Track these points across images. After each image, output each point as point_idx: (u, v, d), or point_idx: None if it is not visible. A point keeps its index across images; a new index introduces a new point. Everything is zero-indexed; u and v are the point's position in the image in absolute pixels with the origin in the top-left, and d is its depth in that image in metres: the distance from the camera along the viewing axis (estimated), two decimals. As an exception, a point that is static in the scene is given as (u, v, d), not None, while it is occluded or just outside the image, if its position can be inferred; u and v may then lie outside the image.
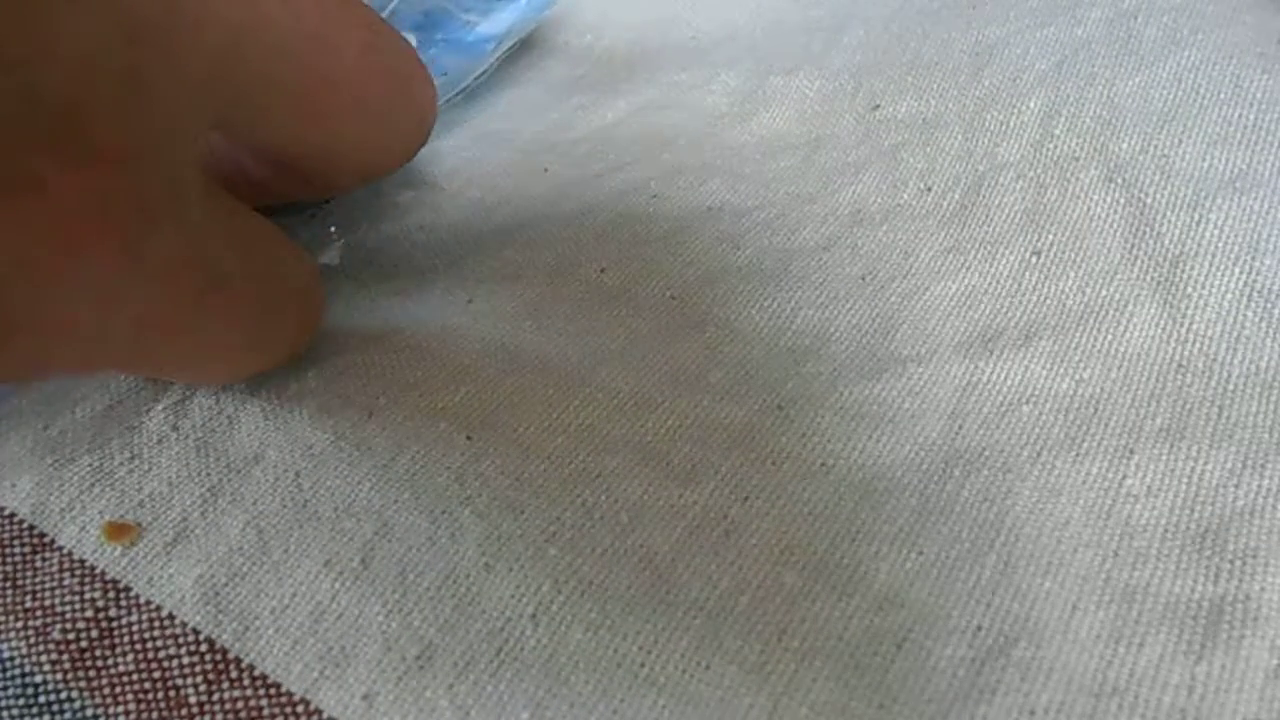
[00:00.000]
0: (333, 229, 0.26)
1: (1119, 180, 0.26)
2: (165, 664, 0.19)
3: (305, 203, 0.25)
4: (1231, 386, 0.21)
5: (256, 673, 0.18)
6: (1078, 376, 0.22)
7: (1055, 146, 0.27)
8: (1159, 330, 0.23)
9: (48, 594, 0.20)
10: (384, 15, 0.29)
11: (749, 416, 0.22)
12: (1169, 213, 0.25)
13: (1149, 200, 0.25)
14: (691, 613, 0.18)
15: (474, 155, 0.30)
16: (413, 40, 0.28)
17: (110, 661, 0.19)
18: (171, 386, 0.23)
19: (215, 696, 0.18)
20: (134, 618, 0.19)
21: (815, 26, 0.33)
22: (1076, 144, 0.27)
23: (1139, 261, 0.24)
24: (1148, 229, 0.25)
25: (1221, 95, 0.27)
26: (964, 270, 0.25)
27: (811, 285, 0.25)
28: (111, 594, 0.20)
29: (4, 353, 0.16)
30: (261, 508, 0.20)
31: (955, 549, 0.19)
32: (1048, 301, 0.24)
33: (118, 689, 0.18)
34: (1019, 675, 0.17)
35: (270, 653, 0.19)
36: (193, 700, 0.18)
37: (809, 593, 0.19)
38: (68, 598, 0.20)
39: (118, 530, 0.20)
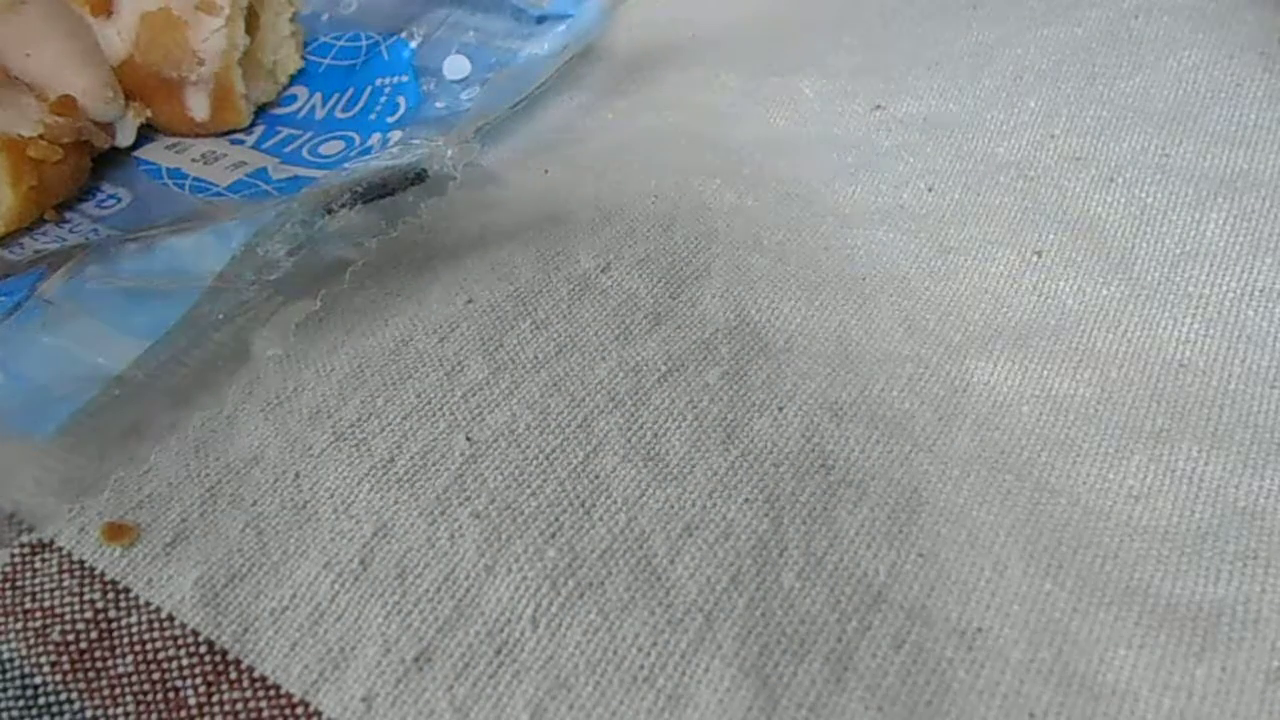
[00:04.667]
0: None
1: (1119, 180, 0.26)
2: (165, 665, 0.19)
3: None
4: (1231, 387, 0.21)
5: (256, 674, 0.18)
6: (1076, 377, 0.22)
7: (1055, 146, 0.27)
8: (1159, 330, 0.23)
9: (47, 595, 0.20)
10: (427, 42, 0.32)
11: (746, 415, 0.22)
12: (1169, 212, 0.25)
13: (1149, 200, 0.25)
14: (690, 614, 0.18)
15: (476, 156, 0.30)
16: (466, 63, 0.31)
17: (110, 663, 0.19)
18: (172, 388, 0.23)
19: (215, 698, 0.18)
20: (133, 619, 0.19)
21: (815, 26, 0.33)
22: (1077, 144, 0.27)
23: (1139, 261, 0.24)
24: (1148, 229, 0.25)
25: (1222, 95, 0.27)
26: (963, 270, 0.25)
27: (809, 285, 0.25)
28: (111, 595, 0.20)
29: None
30: (260, 508, 0.20)
31: (953, 549, 0.19)
32: (1047, 301, 0.24)
33: (117, 690, 0.18)
34: (1018, 677, 0.17)
35: (270, 654, 0.19)
36: (192, 702, 0.18)
37: (806, 593, 0.19)
38: (67, 599, 0.20)
39: (117, 531, 0.20)
